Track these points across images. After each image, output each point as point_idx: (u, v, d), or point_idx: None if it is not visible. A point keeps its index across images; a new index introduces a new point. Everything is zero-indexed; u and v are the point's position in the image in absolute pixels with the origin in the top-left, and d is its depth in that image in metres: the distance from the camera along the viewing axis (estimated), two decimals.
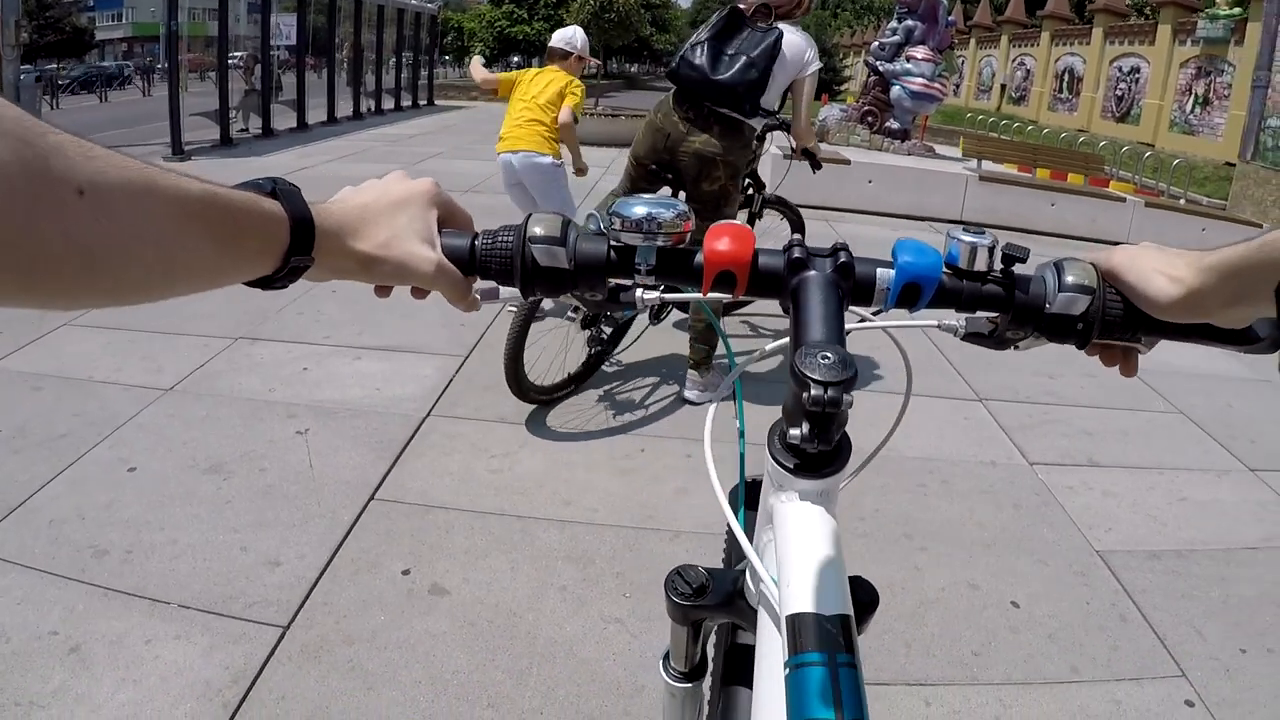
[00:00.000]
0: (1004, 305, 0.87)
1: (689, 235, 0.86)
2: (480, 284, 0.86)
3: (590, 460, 3.45)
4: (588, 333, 4.07)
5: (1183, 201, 14.09)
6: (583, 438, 3.64)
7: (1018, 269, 0.88)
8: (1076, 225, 10.32)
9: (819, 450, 0.73)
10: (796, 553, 0.71)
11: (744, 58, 3.61)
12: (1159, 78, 26.24)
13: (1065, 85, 32.88)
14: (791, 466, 0.75)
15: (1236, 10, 22.29)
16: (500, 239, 0.85)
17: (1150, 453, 4.10)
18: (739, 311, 5.30)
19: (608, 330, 4.15)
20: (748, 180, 4.64)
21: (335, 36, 18.42)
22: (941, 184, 10.33)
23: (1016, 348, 0.93)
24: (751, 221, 4.66)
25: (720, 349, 4.04)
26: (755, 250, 0.85)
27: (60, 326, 4.72)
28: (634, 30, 14.99)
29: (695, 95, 3.70)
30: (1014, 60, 37.69)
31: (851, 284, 0.86)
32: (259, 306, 4.95)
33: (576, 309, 3.88)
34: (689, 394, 4.06)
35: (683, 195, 3.84)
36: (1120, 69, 28.95)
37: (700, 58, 3.65)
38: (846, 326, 0.85)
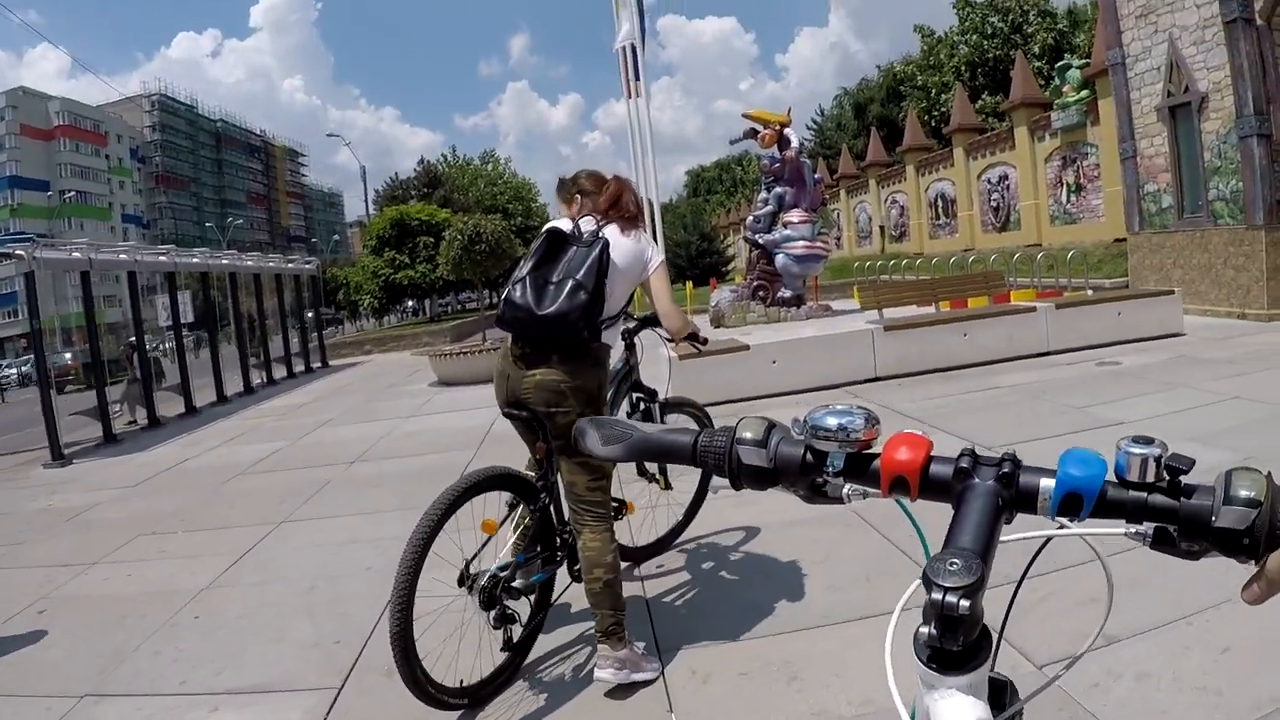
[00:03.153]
0: (1170, 517, 0.88)
1: (874, 441, 1.01)
2: (717, 482, 1.07)
3: None
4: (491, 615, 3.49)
5: (1090, 292, 14.22)
6: None
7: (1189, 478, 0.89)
8: (994, 348, 10.25)
9: (951, 649, 0.79)
10: None
11: (570, 281, 3.36)
12: (1028, 178, 26.98)
13: (941, 210, 33.57)
14: (932, 664, 0.81)
15: (1084, 93, 23.20)
16: (716, 440, 1.08)
17: (1168, 600, 3.54)
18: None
19: (516, 611, 3.58)
20: (635, 395, 4.46)
21: (216, 312, 18.43)
22: (848, 345, 10.17)
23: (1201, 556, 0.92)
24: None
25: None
26: (929, 458, 0.97)
27: None
28: (507, 256, 15.34)
29: (535, 341, 3.44)
30: (886, 200, 38.49)
31: (1014, 493, 0.93)
32: (114, 647, 4.56)
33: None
34: (602, 674, 3.43)
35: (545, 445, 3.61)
36: (989, 180, 29.70)
37: (523, 295, 3.38)
38: (1018, 535, 0.95)
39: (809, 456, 1.03)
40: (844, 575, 4.23)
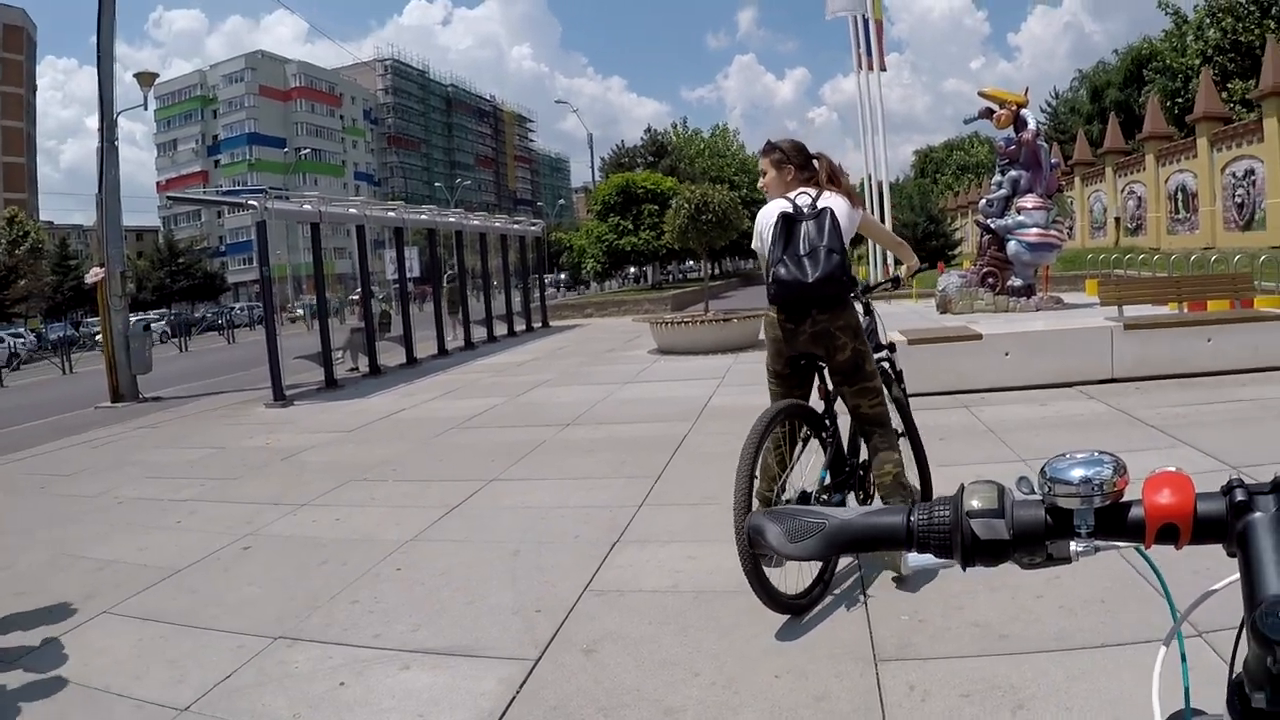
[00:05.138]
0: None
1: (1124, 489, 0.86)
2: (914, 560, 0.92)
3: None
4: None
5: None
6: None
7: None
8: (1238, 357, 8.99)
9: None
10: None
11: (821, 249, 3.89)
12: (1277, 174, 24.75)
13: (1180, 204, 31.31)
14: None
15: None
16: (936, 514, 0.89)
17: None
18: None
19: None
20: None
21: (441, 268, 18.89)
22: (1085, 342, 9.20)
23: None
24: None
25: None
26: (1195, 496, 0.84)
27: (100, 615, 4.31)
28: (734, 228, 14.90)
29: (804, 305, 3.94)
30: (1123, 190, 36.18)
31: None
32: (312, 592, 4.41)
33: None
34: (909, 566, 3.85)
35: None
36: (1234, 174, 27.42)
37: (789, 272, 3.91)
38: None
39: (1050, 520, 0.87)
40: (1077, 595, 3.54)
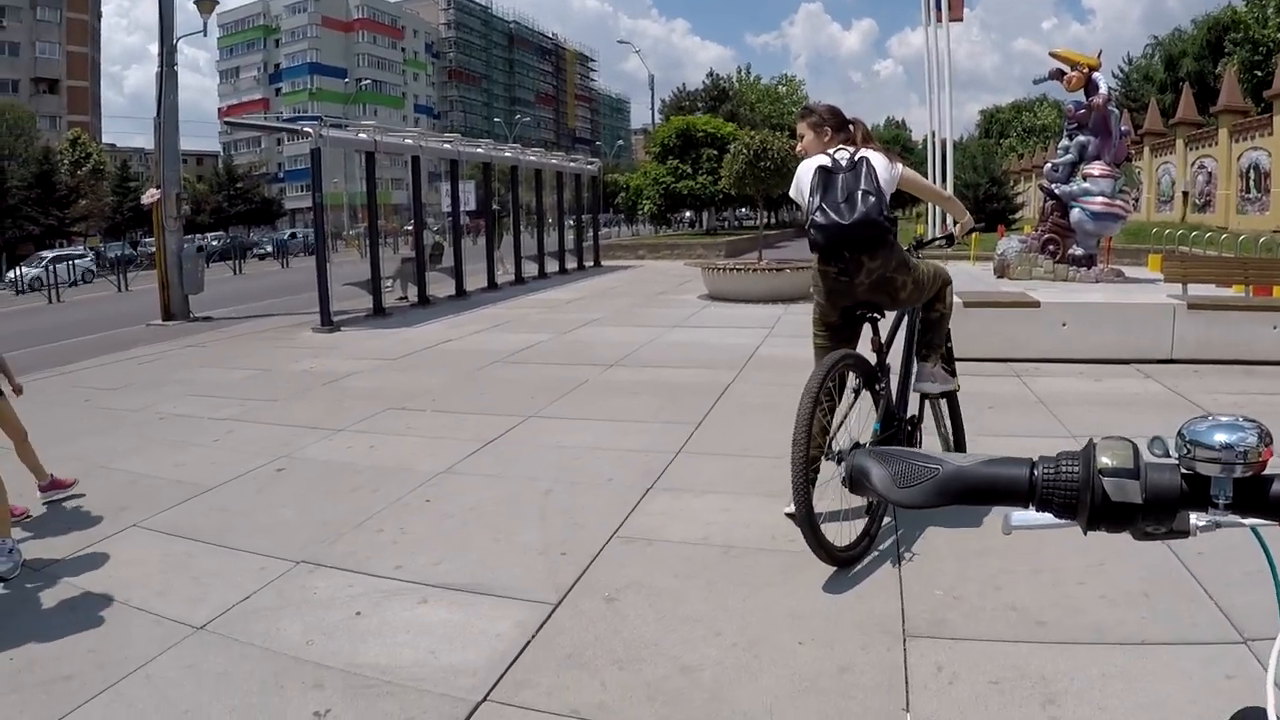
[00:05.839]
0: None
1: (1268, 461, 0.80)
2: (1020, 516, 0.87)
3: None
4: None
5: None
6: None
7: None
8: None
9: None
10: None
11: (858, 193, 3.89)
12: None
13: (1252, 183, 30.10)
14: None
15: None
16: (1064, 469, 0.83)
17: None
18: None
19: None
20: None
21: (494, 203, 18.80)
22: (1146, 318, 8.81)
23: None
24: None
25: None
26: None
27: (130, 528, 4.32)
28: (792, 176, 14.68)
29: (842, 247, 3.92)
30: (1193, 164, 34.81)
31: None
32: (340, 518, 4.38)
33: None
34: (922, 386, 4.30)
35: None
36: None
37: (825, 218, 3.91)
38: None
39: (1185, 487, 0.81)
40: (1121, 586, 3.31)
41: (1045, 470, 0.84)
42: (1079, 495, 0.82)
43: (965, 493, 0.87)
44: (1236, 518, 0.81)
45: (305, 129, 13.01)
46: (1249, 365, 8.09)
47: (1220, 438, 0.79)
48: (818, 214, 3.93)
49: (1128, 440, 0.83)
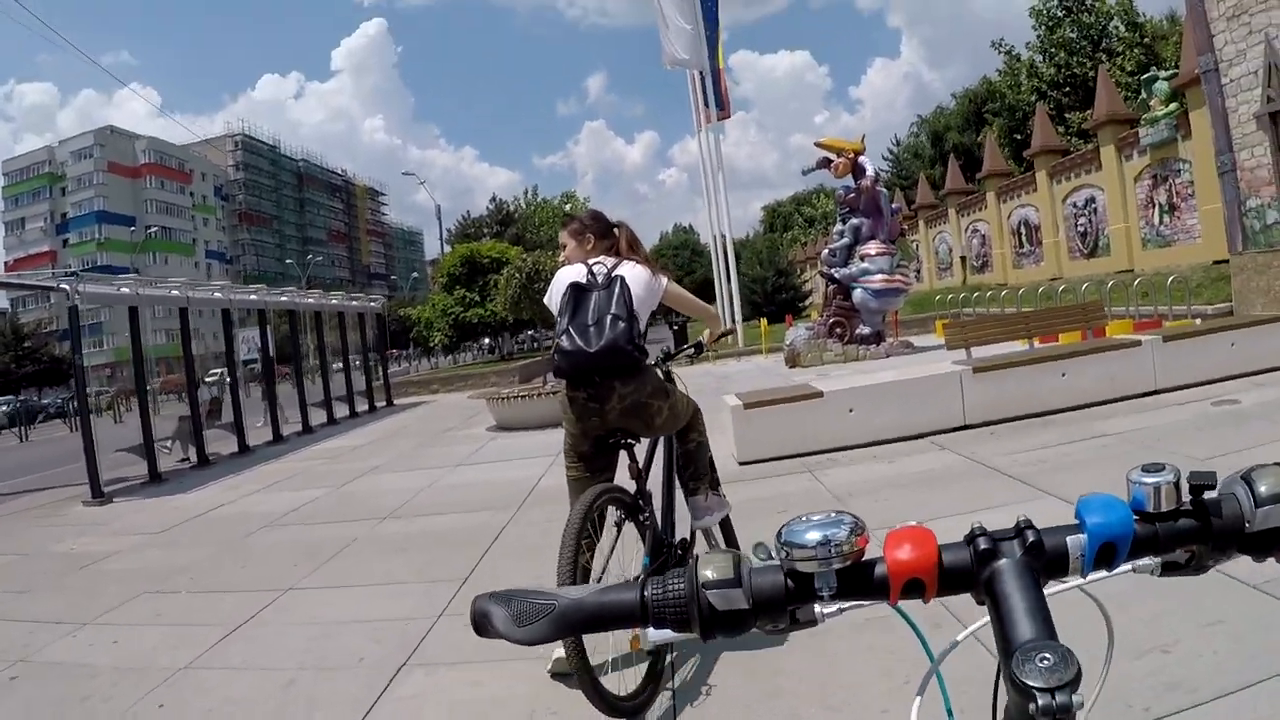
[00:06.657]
0: (1202, 536, 0.84)
1: (865, 548, 0.86)
2: (653, 634, 0.87)
3: None
4: None
5: (1197, 321, 12.44)
6: None
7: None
8: (1095, 389, 9.03)
9: None
10: None
11: (607, 317, 3.74)
12: (1116, 200, 25.68)
13: (1024, 238, 32.46)
14: None
15: (1174, 105, 21.97)
16: (671, 588, 0.86)
17: None
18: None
19: None
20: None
21: (273, 350, 18.17)
22: (933, 390, 8.96)
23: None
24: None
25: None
26: (938, 548, 0.84)
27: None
28: None
29: (588, 375, 3.77)
30: (967, 229, 37.49)
31: (1044, 561, 0.83)
32: None
33: None
34: (701, 522, 4.16)
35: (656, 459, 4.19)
36: (1075, 204, 28.51)
37: (571, 343, 3.75)
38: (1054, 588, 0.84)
39: (791, 583, 0.85)
40: (931, 713, 3.25)
41: (654, 591, 0.87)
42: (688, 609, 0.85)
43: (585, 623, 0.89)
44: (858, 602, 0.86)
45: (62, 285, 12.07)
46: (1044, 416, 8.45)
47: (813, 535, 0.84)
48: (564, 339, 3.78)
49: (730, 551, 0.88)
